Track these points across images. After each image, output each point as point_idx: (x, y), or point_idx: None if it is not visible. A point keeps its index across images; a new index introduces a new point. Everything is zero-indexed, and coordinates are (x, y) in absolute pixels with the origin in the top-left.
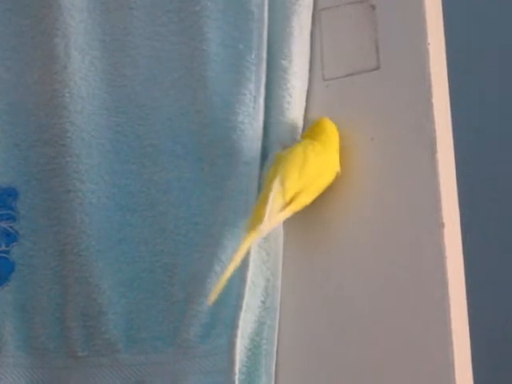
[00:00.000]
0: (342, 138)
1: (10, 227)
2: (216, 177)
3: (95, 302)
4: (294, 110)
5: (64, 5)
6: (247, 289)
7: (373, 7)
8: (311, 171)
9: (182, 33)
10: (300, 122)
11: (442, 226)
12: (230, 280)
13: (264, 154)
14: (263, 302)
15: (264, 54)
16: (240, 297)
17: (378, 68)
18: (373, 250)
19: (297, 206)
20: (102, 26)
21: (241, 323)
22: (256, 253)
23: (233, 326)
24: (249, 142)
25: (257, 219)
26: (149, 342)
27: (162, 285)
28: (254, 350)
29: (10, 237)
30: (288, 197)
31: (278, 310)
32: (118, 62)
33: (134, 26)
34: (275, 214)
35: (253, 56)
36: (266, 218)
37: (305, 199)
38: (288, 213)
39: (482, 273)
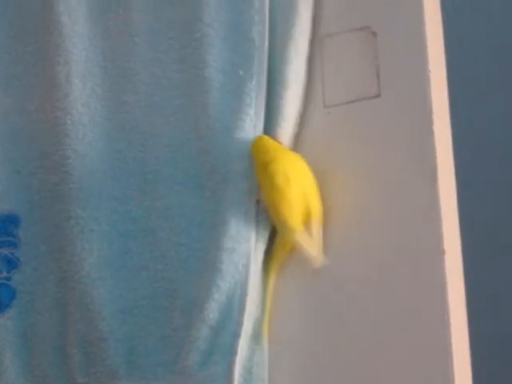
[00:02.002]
0: (341, 164)
1: (12, 254)
2: (216, 203)
3: (96, 329)
4: (288, 135)
5: (65, 32)
6: (246, 316)
7: (374, 34)
8: (295, 190)
9: (183, 60)
10: (291, 147)
11: (443, 252)
12: (228, 307)
13: None
14: (253, 329)
15: (264, 81)
16: (239, 324)
17: (379, 95)
18: (373, 277)
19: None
20: (104, 53)
21: (239, 350)
22: None
23: (231, 353)
24: (248, 169)
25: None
26: (149, 369)
27: (162, 311)
28: (246, 376)
29: (11, 263)
30: (296, 228)
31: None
32: (119, 88)
33: (135, 53)
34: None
35: (253, 82)
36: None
37: (315, 203)
38: (317, 225)
39: (483, 299)
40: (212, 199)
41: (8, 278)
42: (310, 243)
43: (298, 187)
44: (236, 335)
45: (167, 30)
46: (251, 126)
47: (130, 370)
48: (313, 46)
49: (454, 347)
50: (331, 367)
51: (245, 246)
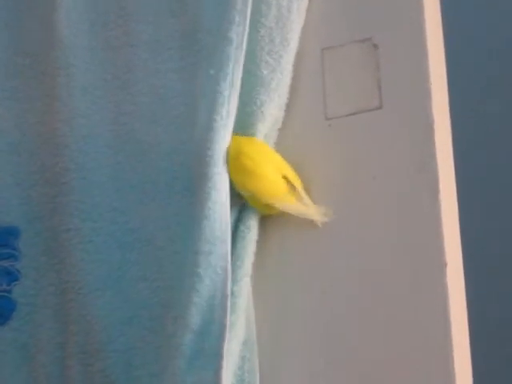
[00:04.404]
0: (344, 176)
1: (12, 266)
2: (193, 206)
3: (94, 340)
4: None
5: (66, 44)
6: (228, 319)
7: (375, 46)
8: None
9: (182, 69)
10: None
11: (444, 265)
12: (209, 311)
13: None
14: (243, 336)
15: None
16: (222, 327)
17: (380, 107)
18: (374, 289)
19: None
20: (104, 64)
21: (225, 354)
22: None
23: (217, 357)
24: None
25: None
26: (146, 380)
27: (158, 321)
28: None
29: (12, 276)
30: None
31: (255, 343)
32: (118, 99)
33: (135, 64)
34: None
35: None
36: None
37: (293, 175)
38: (303, 192)
39: (485, 311)
40: (199, 205)
41: (8, 291)
42: (305, 207)
43: (269, 164)
44: (220, 339)
45: (166, 40)
46: (222, 126)
47: (128, 382)
48: (314, 58)
49: (455, 359)
50: (331, 369)
51: (221, 247)
